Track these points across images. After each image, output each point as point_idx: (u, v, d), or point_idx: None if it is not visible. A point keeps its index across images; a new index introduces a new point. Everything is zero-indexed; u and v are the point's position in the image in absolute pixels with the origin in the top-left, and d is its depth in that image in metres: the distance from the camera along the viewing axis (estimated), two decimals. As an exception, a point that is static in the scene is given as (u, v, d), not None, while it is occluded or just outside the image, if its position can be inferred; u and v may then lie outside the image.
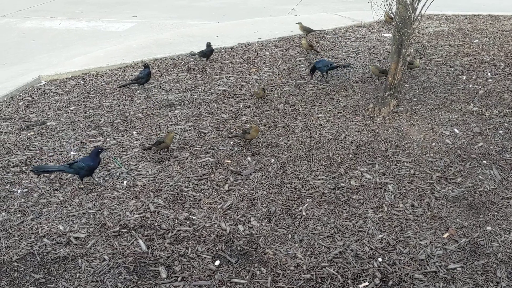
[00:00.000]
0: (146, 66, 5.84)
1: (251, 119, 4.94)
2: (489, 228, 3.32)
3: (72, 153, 4.43)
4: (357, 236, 3.30)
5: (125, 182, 3.96)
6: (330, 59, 6.37)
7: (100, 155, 3.95)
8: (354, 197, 3.68)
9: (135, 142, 4.57)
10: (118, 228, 3.42)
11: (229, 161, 4.22)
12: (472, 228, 3.33)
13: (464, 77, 5.72)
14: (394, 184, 3.80)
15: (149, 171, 4.10)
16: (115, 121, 5.02)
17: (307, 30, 7.28)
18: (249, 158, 4.24)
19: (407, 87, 5.47)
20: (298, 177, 3.95)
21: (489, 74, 5.71)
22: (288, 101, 5.34)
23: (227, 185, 3.88)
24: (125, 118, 5.09)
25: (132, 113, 5.21)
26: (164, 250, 3.22)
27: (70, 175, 4.02)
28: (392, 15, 4.86)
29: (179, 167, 4.16)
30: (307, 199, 3.68)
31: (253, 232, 3.37)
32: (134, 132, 4.78)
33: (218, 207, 3.63)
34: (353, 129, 4.63)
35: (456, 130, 4.53)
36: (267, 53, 6.94)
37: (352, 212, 3.53)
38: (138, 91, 5.75)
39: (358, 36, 7.58)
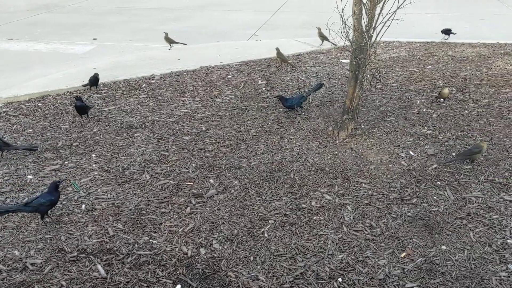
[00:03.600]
0: (78, 98, 5.53)
1: (213, 141, 4.97)
2: (444, 247, 3.42)
3: (28, 176, 4.31)
4: (318, 256, 3.34)
5: (83, 206, 3.89)
6: (299, 93, 6.00)
7: (59, 188, 3.79)
8: (314, 218, 3.74)
9: (94, 165, 4.50)
10: (76, 253, 3.34)
11: (191, 183, 4.21)
12: (428, 247, 3.43)
13: (418, 102, 5.95)
14: (353, 205, 3.88)
15: (108, 195, 4.04)
16: (74, 144, 4.94)
17: (283, 59, 7.44)
18: (211, 180, 4.24)
19: (364, 111, 5.64)
20: (260, 198, 3.99)
21: (442, 99, 5.95)
22: (251, 123, 5.39)
23: (188, 208, 3.87)
24: (84, 141, 5.01)
25: (91, 135, 5.14)
26: (123, 275, 3.17)
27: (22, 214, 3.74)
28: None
29: (139, 190, 4.12)
30: (269, 221, 3.71)
31: (215, 255, 3.36)
32: (93, 155, 4.71)
33: (180, 230, 3.61)
34: (314, 151, 4.72)
35: (411, 152, 4.68)
36: (229, 76, 7.02)
37: (313, 232, 3.57)
38: (97, 113, 5.68)
39: (317, 61, 7.77)
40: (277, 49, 7.45)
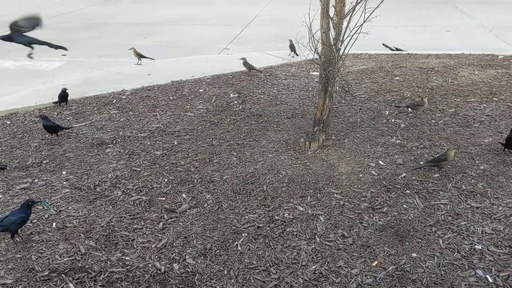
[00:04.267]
0: (44, 117, 5.36)
1: (186, 155, 4.96)
2: (414, 254, 3.49)
3: (-4, 196, 4.23)
4: (292, 268, 3.36)
5: (54, 224, 3.83)
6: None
7: (32, 208, 3.73)
8: (288, 229, 3.76)
9: (64, 183, 4.44)
10: (47, 272, 3.28)
11: (163, 198, 4.20)
12: (399, 255, 3.49)
13: (387, 112, 6.07)
14: (325, 215, 3.93)
15: (79, 212, 3.99)
16: (44, 162, 4.87)
17: (250, 67, 7.77)
18: (184, 195, 4.23)
19: (334, 122, 5.73)
20: (233, 212, 3.99)
21: (409, 109, 6.09)
22: (223, 137, 5.41)
23: (161, 223, 3.85)
24: (54, 158, 4.94)
25: (62, 152, 5.08)
26: (96, 293, 3.13)
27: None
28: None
29: (111, 206, 4.08)
30: (243, 234, 3.72)
31: (189, 270, 3.35)
32: (64, 172, 4.64)
33: (152, 246, 3.58)
34: (286, 163, 4.76)
35: (381, 162, 4.77)
36: (201, 90, 7.04)
37: (287, 244, 3.60)
38: (68, 130, 5.61)
39: (288, 74, 7.86)
40: (244, 58, 7.65)
